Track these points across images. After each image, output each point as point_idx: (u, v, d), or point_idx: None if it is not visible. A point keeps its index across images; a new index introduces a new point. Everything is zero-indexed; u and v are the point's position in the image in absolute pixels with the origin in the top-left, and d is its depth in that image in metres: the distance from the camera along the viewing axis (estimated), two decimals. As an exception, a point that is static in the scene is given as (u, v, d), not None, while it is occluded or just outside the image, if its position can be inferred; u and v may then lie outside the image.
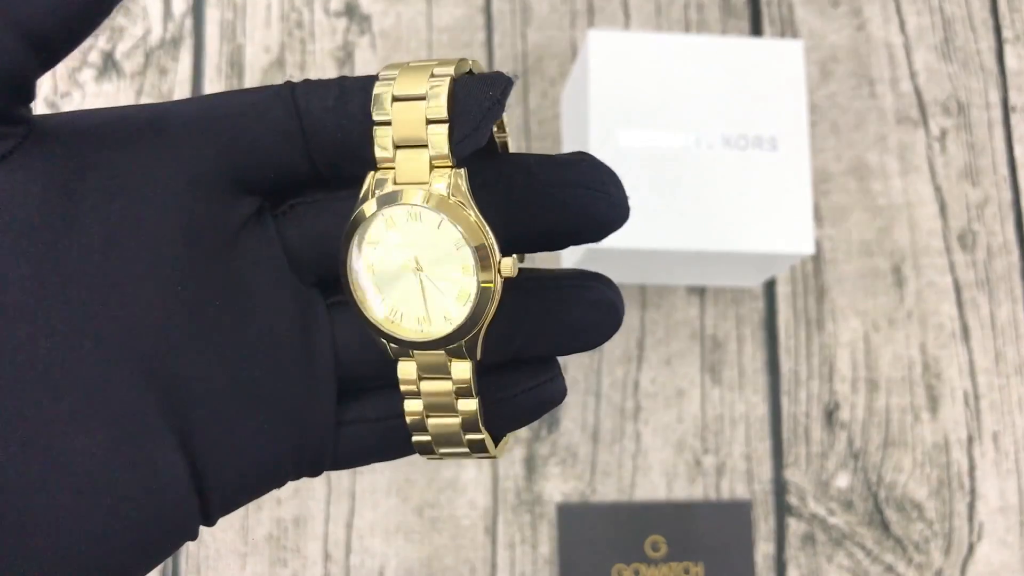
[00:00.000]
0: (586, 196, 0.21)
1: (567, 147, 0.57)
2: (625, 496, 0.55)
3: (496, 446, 0.23)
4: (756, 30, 0.61)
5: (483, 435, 0.22)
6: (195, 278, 0.20)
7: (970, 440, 0.57)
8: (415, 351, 0.21)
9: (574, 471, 0.55)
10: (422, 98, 0.20)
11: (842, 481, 0.56)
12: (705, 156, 0.49)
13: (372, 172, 0.20)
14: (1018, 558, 0.56)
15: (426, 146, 0.20)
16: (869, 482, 0.56)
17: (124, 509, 0.19)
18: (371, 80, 0.21)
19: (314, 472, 0.22)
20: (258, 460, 0.21)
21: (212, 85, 0.58)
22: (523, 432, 0.55)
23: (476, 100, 0.20)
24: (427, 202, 0.20)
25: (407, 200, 0.20)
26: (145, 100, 0.58)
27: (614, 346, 0.57)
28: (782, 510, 0.56)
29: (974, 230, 0.60)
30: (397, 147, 0.20)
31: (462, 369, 0.21)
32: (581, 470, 0.55)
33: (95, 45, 0.58)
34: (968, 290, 0.59)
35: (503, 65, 0.59)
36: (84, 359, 0.19)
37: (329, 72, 0.58)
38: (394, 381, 0.22)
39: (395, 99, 0.20)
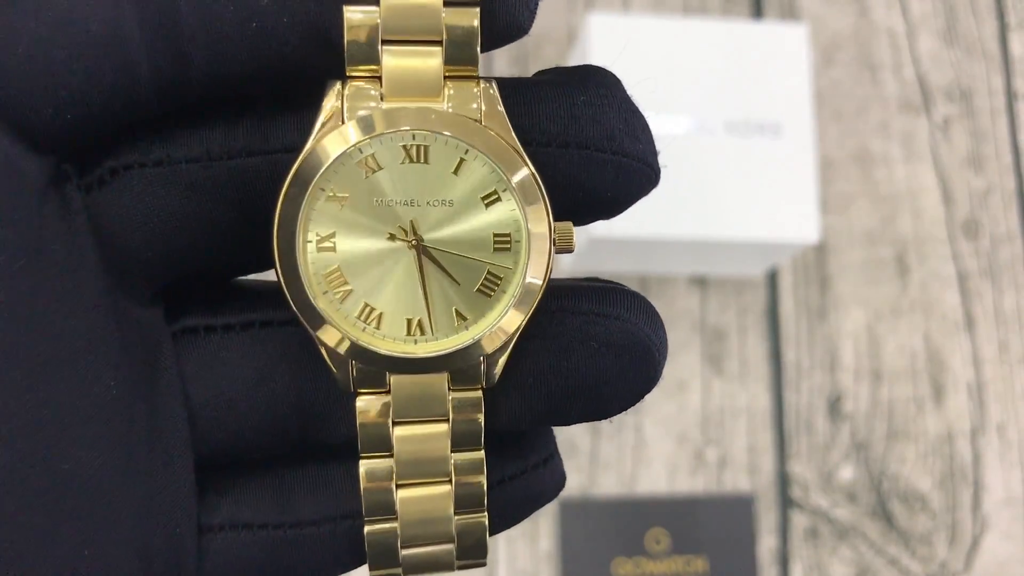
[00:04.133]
0: (599, 159, 0.14)
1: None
2: (626, 489, 0.54)
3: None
4: (757, 14, 0.60)
5: (485, 517, 0.14)
6: None
7: (974, 431, 0.57)
8: (394, 376, 0.13)
9: (575, 464, 0.54)
10: None
11: (846, 473, 0.56)
12: (707, 143, 0.48)
13: (336, 83, 0.13)
14: (1023, 549, 0.55)
15: (439, 42, 0.12)
16: (873, 474, 0.56)
17: None
18: None
19: None
20: None
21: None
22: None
23: None
24: (441, 128, 0.12)
25: (403, 125, 0.12)
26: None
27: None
28: (785, 503, 0.55)
29: (978, 218, 0.59)
30: (385, 42, 0.12)
31: (469, 405, 0.13)
32: (582, 463, 0.54)
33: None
34: (972, 279, 0.58)
35: (501, 54, 0.58)
36: None
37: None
38: (293, 453, 0.14)
39: None
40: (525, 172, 0.13)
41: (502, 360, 0.14)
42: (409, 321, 0.13)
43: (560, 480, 0.16)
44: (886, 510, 0.55)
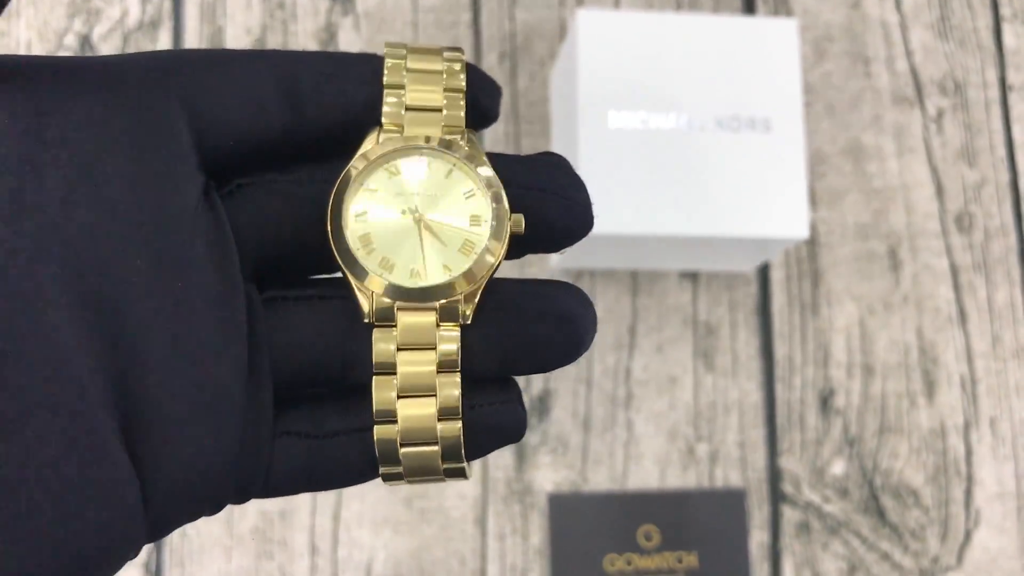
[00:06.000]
0: (541, 199, 0.20)
1: (556, 130, 0.55)
2: (617, 485, 0.54)
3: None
4: (749, 8, 0.60)
5: (460, 424, 0.19)
6: (148, 253, 0.18)
7: (967, 426, 0.56)
8: (400, 311, 0.19)
9: (565, 460, 0.54)
10: (438, 72, 0.20)
11: (837, 468, 0.55)
12: (697, 138, 0.48)
13: (376, 129, 0.20)
14: (1015, 544, 0.55)
15: (440, 110, 0.20)
16: (865, 469, 0.56)
17: (72, 514, 0.16)
18: (366, 55, 0.21)
19: (241, 498, 0.19)
20: (199, 471, 0.18)
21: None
22: (513, 421, 0.54)
23: (489, 82, 0.21)
24: (442, 151, 0.20)
25: (419, 143, 0.20)
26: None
27: (605, 333, 0.56)
28: (776, 498, 0.55)
29: (971, 212, 0.59)
30: (408, 109, 0.20)
31: (450, 337, 0.19)
32: (572, 459, 0.54)
33: (71, 28, 0.56)
34: (965, 273, 0.58)
35: (490, 46, 0.58)
36: (38, 325, 0.17)
37: (312, 54, 0.57)
38: (334, 391, 0.20)
39: (409, 70, 0.20)
40: (490, 173, 0.20)
41: (473, 304, 0.19)
42: (412, 269, 0.19)
43: (521, 424, 0.20)
44: (878, 505, 0.55)
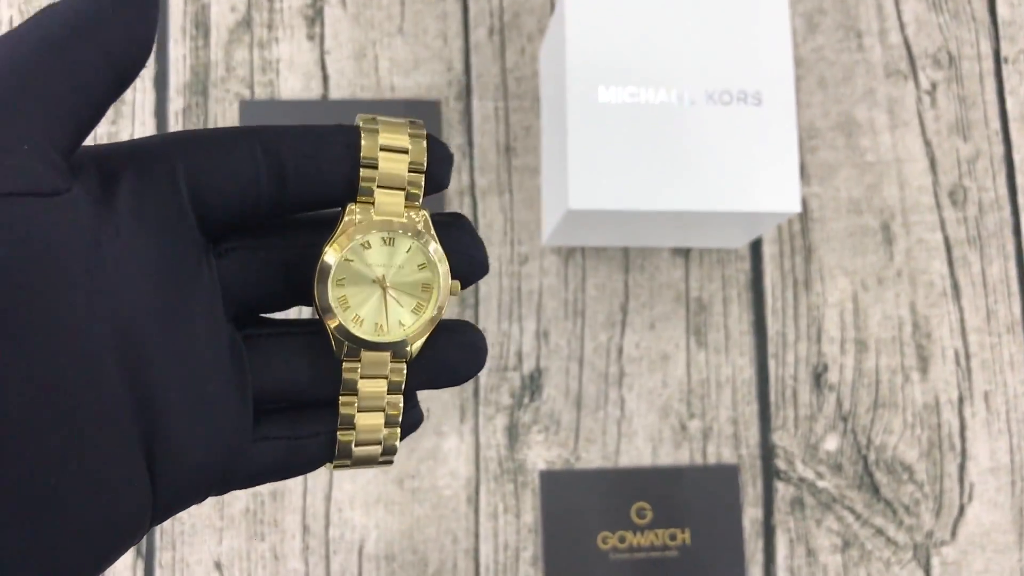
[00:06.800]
0: (452, 259, 0.25)
1: (545, 105, 0.55)
2: (610, 463, 0.54)
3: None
4: (740, -19, 0.59)
5: (399, 431, 0.26)
6: (166, 300, 0.22)
7: (961, 400, 0.56)
8: (364, 351, 0.24)
9: (557, 438, 0.54)
10: (405, 151, 0.24)
11: (831, 444, 0.55)
12: (687, 112, 0.47)
13: (351, 204, 0.24)
14: (1009, 518, 0.55)
15: (404, 188, 0.24)
16: (859, 445, 0.55)
17: (84, 509, 0.20)
18: (343, 128, 0.24)
19: (223, 489, 0.24)
20: (198, 471, 0.23)
21: (177, 47, 0.56)
22: (505, 399, 0.54)
23: (445, 155, 0.25)
24: (405, 231, 0.24)
25: (387, 228, 0.24)
26: (107, 63, 0.55)
27: (597, 310, 0.55)
28: (770, 474, 0.55)
29: (965, 186, 0.58)
30: (379, 187, 0.24)
31: (398, 370, 0.25)
32: (564, 437, 0.54)
33: (54, 6, 0.55)
34: (959, 247, 0.58)
35: (479, 21, 0.57)
36: (84, 355, 0.21)
37: (299, 31, 0.56)
38: (296, 404, 0.25)
39: (382, 148, 0.24)
40: (438, 247, 0.25)
41: (416, 346, 0.25)
42: (377, 324, 0.25)
43: (421, 419, 0.27)
44: (872, 480, 0.55)
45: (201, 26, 0.56)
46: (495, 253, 0.55)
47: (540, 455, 0.54)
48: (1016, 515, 0.55)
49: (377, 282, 0.24)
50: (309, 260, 0.24)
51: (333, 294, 0.24)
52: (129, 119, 0.55)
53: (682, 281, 0.56)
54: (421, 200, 0.25)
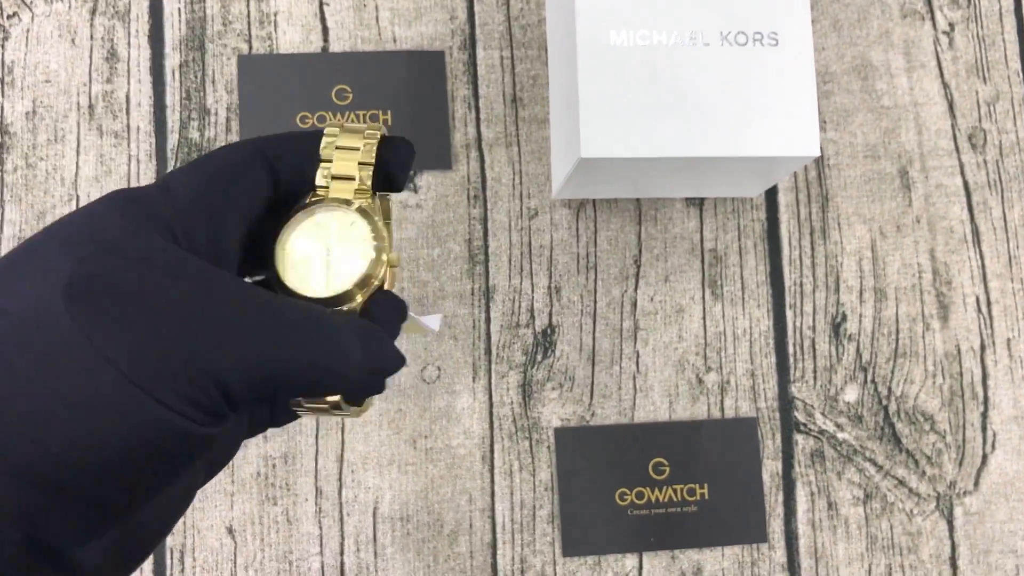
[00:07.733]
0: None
1: (553, 52, 0.53)
2: (626, 419, 0.53)
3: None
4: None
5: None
6: (196, 271, 0.25)
7: (983, 348, 0.55)
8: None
9: (572, 395, 0.53)
10: (356, 149, 0.29)
11: (851, 395, 0.54)
12: (701, 54, 0.46)
13: (311, 193, 0.29)
14: (1033, 467, 0.54)
15: (354, 179, 0.29)
16: (879, 395, 0.54)
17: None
18: (314, 133, 0.29)
19: (255, 431, 0.29)
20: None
21: (172, 0, 0.54)
22: (518, 356, 0.53)
23: (403, 157, 0.30)
24: (345, 207, 0.28)
25: (335, 202, 0.28)
26: (99, 20, 0.54)
27: (610, 264, 0.54)
28: (789, 427, 0.54)
29: (984, 128, 0.57)
30: (333, 178, 0.29)
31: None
32: (579, 393, 0.53)
33: (42, -39, 0.54)
34: (979, 192, 0.56)
35: (482, -31, 0.55)
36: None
37: (296, -18, 0.54)
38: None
39: (337, 148, 0.29)
40: (379, 224, 0.29)
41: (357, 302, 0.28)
42: (316, 284, 0.28)
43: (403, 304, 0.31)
44: (893, 431, 0.54)
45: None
46: (504, 208, 0.54)
47: (555, 412, 0.53)
48: (1040, 463, 0.55)
49: (322, 249, 0.28)
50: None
51: (284, 258, 0.28)
52: (124, 77, 0.53)
53: (696, 232, 0.55)
54: (371, 190, 0.29)
